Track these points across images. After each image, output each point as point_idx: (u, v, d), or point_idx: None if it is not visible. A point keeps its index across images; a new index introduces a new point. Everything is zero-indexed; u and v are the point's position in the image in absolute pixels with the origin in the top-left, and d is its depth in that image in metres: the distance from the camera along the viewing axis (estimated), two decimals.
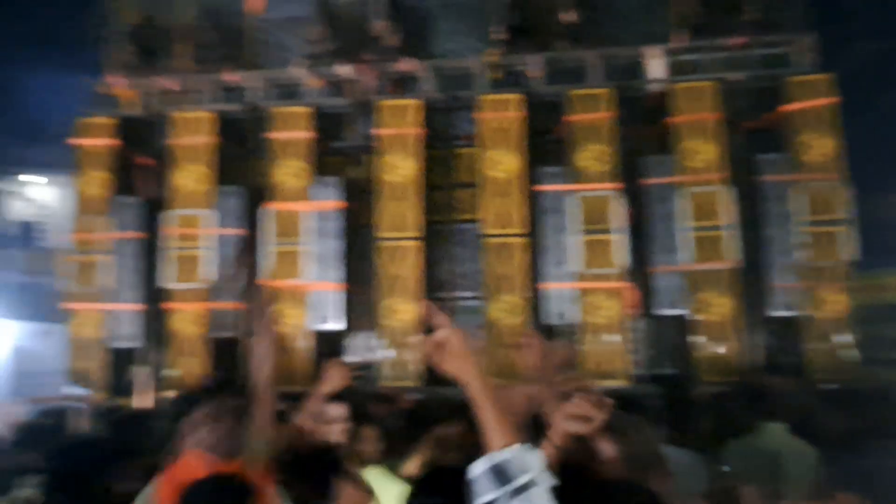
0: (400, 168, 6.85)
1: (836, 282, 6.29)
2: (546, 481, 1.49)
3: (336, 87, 7.52)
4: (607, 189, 6.57)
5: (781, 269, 6.37)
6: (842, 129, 6.43)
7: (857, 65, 12.36)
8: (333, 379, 3.00)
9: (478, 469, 1.51)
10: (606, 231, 6.50)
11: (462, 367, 1.63)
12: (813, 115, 6.47)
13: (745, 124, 6.84)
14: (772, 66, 6.90)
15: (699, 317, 6.35)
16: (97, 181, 7.16)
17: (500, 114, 6.79)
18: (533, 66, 7.02)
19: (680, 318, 6.49)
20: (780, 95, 6.63)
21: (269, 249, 6.85)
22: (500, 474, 1.48)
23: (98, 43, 7.99)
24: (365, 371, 6.70)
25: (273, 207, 6.91)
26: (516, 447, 1.54)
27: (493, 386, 1.65)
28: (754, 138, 6.88)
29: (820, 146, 6.43)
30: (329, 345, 6.94)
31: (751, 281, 6.47)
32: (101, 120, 7.32)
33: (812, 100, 6.47)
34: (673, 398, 4.88)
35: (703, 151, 6.52)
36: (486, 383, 1.63)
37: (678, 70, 6.97)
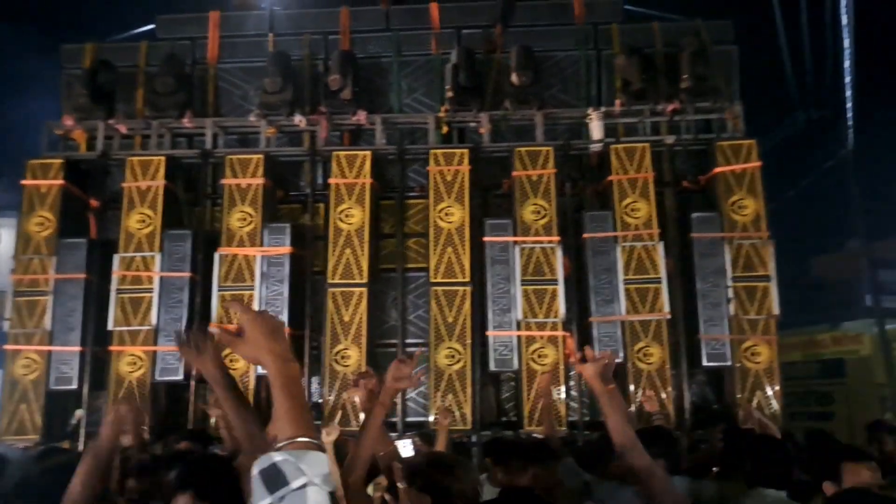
0: (350, 216, 7.02)
1: (764, 335, 6.65)
2: (326, 486, 1.33)
3: (289, 136, 7.73)
4: (549, 241, 6.85)
5: (712, 322, 6.70)
6: (766, 192, 6.90)
7: (787, 132, 13.19)
8: (399, 381, 2.84)
9: (254, 469, 1.34)
10: (547, 282, 6.76)
11: (259, 352, 1.50)
12: (740, 178, 6.93)
13: (680, 185, 7.26)
14: (704, 131, 7.41)
15: (634, 366, 6.60)
16: (44, 221, 7.13)
17: (450, 167, 7.06)
18: (482, 123, 7.36)
19: (617, 366, 6.73)
20: (711, 158, 7.09)
21: (219, 293, 6.89)
22: (273, 477, 1.32)
23: (59, 85, 8.07)
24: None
25: (223, 252, 6.97)
26: (298, 445, 1.38)
27: (296, 374, 1.50)
28: (688, 197, 7.31)
29: (747, 207, 6.86)
30: (267, 390, 6.94)
31: (688, 332, 6.79)
32: (51, 161, 7.33)
33: (739, 163, 6.94)
34: (605, 443, 5.05)
35: (639, 208, 6.89)
36: (286, 371, 1.48)
37: (617, 132, 7.41)
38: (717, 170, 6.97)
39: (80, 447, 6.49)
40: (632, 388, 6.59)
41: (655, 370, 6.59)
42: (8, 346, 6.92)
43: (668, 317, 6.68)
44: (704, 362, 6.65)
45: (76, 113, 7.58)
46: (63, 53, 8.16)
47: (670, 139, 7.20)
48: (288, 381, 1.47)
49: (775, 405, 6.53)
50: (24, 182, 7.17)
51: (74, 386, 6.88)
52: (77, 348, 6.91)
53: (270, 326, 1.52)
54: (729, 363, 6.63)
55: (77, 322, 6.97)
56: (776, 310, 6.70)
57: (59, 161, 7.31)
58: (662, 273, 6.74)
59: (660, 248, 6.79)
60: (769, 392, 6.57)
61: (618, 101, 7.34)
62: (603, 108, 7.36)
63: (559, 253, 6.82)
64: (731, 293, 6.75)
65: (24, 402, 6.79)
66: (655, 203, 6.91)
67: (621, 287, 6.76)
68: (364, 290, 6.89)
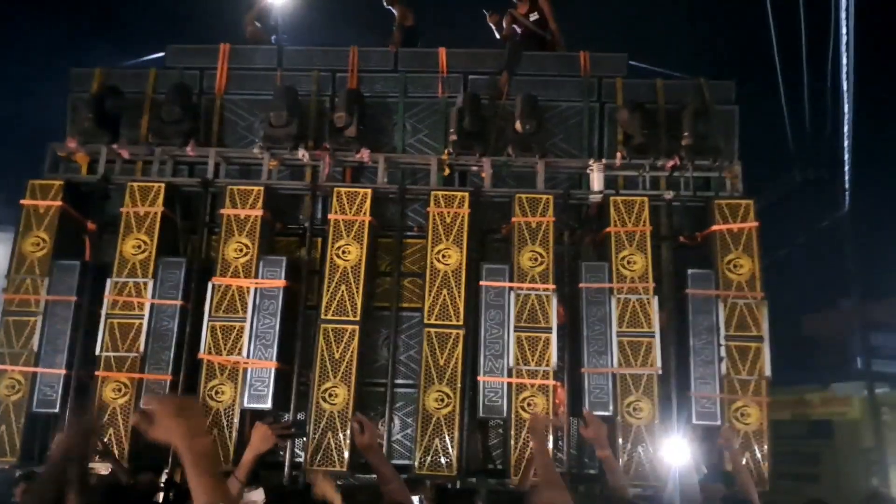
0: (347, 253, 7.02)
1: (755, 395, 6.62)
2: None
3: (291, 170, 7.77)
4: (544, 289, 6.85)
5: (703, 380, 6.67)
6: (762, 251, 6.94)
7: (783, 190, 13.34)
8: (259, 442, 3.28)
9: None
10: (541, 329, 6.74)
11: (168, 433, 1.71)
12: (736, 237, 6.97)
13: (677, 240, 7.30)
14: (703, 187, 7.48)
15: (623, 420, 6.55)
16: (39, 242, 7.11)
17: (448, 209, 7.09)
18: (484, 167, 7.42)
19: (607, 419, 6.68)
20: (709, 215, 7.15)
21: (208, 323, 6.84)
22: None
23: (65, 107, 8.12)
24: (298, 430, 6.62)
25: (217, 281, 6.94)
26: None
27: (204, 449, 1.70)
28: (685, 253, 7.34)
29: (743, 266, 6.89)
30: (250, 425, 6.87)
31: (679, 389, 6.76)
32: (51, 182, 7.33)
33: (736, 222, 6.99)
34: (591, 498, 5.01)
35: (635, 261, 6.91)
36: (194, 447, 1.68)
37: (616, 184, 7.48)
38: (715, 227, 7.01)
39: None
40: (620, 441, 6.54)
41: (645, 425, 6.54)
42: (3, 367, 6.82)
43: (660, 372, 6.65)
44: (694, 420, 6.60)
45: (80, 136, 7.61)
46: (72, 77, 8.23)
47: (669, 194, 7.25)
48: (197, 456, 1.65)
49: (763, 467, 6.48)
50: (23, 201, 7.16)
51: (56, 409, 6.78)
52: (62, 371, 6.82)
53: (176, 407, 1.75)
54: (719, 422, 6.58)
55: (64, 345, 6.90)
56: (768, 371, 6.69)
57: (59, 182, 7.31)
58: (656, 327, 6.73)
59: (654, 303, 6.79)
60: (758, 454, 6.52)
61: (619, 154, 7.42)
62: (604, 160, 7.44)
63: (554, 301, 6.82)
64: (723, 352, 6.74)
65: (4, 424, 6.67)
66: (651, 257, 6.93)
67: (614, 339, 6.74)
68: (356, 327, 6.86)
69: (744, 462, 6.38)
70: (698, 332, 6.80)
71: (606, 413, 6.60)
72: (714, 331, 6.77)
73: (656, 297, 6.82)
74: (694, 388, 6.65)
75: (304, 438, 6.61)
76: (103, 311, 6.90)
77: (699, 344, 6.78)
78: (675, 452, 5.38)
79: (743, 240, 6.98)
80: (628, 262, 6.90)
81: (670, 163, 7.32)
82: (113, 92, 7.80)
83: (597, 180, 7.34)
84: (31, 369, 6.79)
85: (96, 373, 6.77)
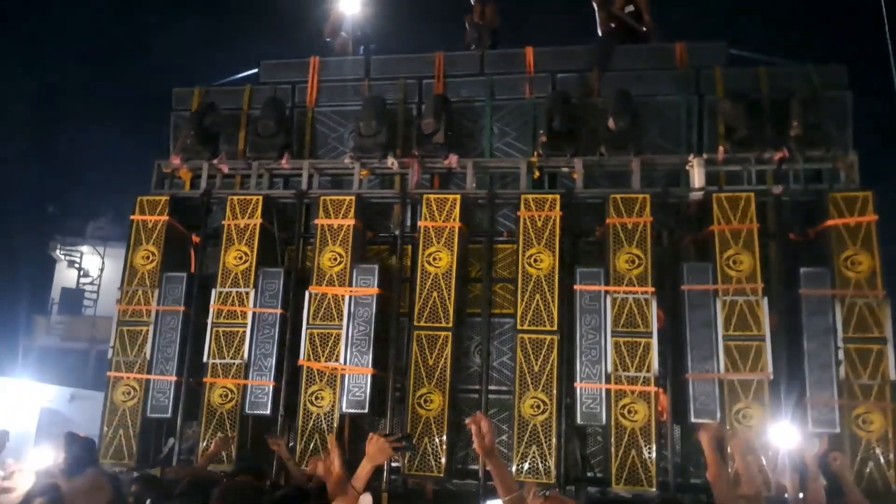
0: (438, 259, 7.00)
1: (878, 401, 6.12)
2: None
3: (381, 179, 7.84)
4: (643, 292, 6.59)
5: (819, 385, 6.23)
6: (882, 247, 6.40)
7: None
8: (377, 453, 3.34)
9: None
10: (640, 334, 6.49)
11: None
12: (854, 232, 6.47)
13: (787, 237, 6.86)
14: (814, 181, 6.99)
15: (732, 427, 6.20)
16: (149, 255, 7.48)
17: (540, 213, 6.94)
18: (576, 168, 7.22)
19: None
20: (821, 210, 6.67)
21: (306, 331, 6.99)
22: None
23: (162, 125, 8.55)
24: (409, 446, 6.67)
25: (313, 290, 7.08)
26: None
27: None
28: (796, 251, 6.88)
29: (861, 263, 6.39)
30: (356, 430, 6.97)
31: (792, 395, 6.34)
32: (157, 197, 7.70)
33: (853, 216, 6.48)
34: None
35: (742, 261, 6.53)
36: None
37: (718, 180, 7.10)
38: (830, 222, 6.52)
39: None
40: (730, 450, 6.18)
41: (756, 433, 6.15)
42: (111, 373, 7.24)
43: (771, 377, 6.25)
44: (811, 428, 6.17)
45: (183, 153, 7.97)
46: (174, 97, 8.63)
47: (777, 189, 6.81)
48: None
49: (889, 476, 5.97)
50: (133, 217, 7.55)
51: (168, 414, 7.10)
52: (173, 378, 7.15)
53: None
54: (838, 430, 6.13)
55: (174, 352, 7.23)
56: (893, 374, 6.16)
57: (165, 198, 7.67)
58: (766, 330, 6.33)
59: (764, 304, 6.39)
60: (882, 462, 6.02)
61: (721, 148, 7.04)
62: (705, 155, 7.08)
63: (654, 304, 6.54)
64: (841, 354, 6.26)
65: (122, 429, 7.05)
66: (759, 256, 6.53)
67: (720, 343, 6.39)
68: (449, 333, 6.83)
69: (867, 471, 5.93)
70: (813, 335, 6.35)
71: (712, 420, 6.27)
72: (831, 332, 6.30)
73: (766, 299, 6.42)
74: (810, 394, 6.21)
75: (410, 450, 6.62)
76: (209, 320, 7.19)
77: (814, 347, 6.33)
78: (797, 457, 5.11)
79: (861, 235, 6.46)
80: (734, 262, 6.53)
81: (778, 155, 6.88)
82: (211, 109, 8.12)
83: (697, 177, 6.99)
84: (145, 376, 7.15)
85: (204, 379, 7.06)
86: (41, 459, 5.70)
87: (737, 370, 6.31)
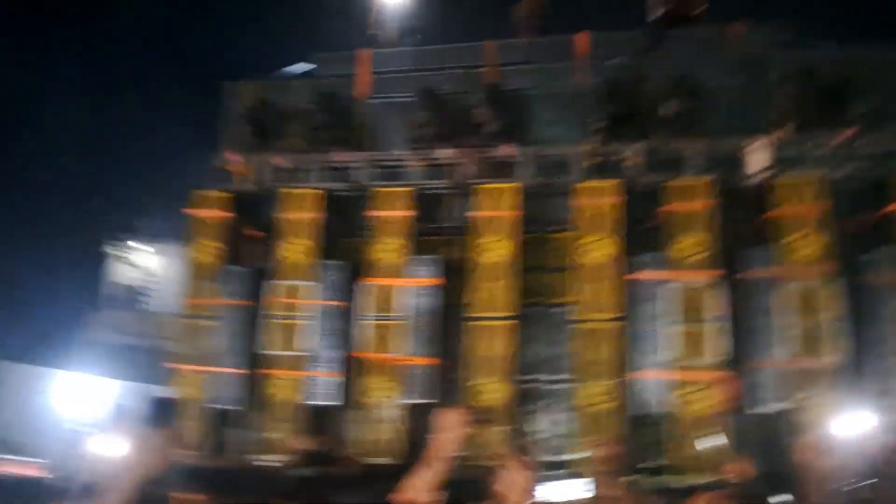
0: (494, 249, 7.00)
1: None
2: None
3: (436, 169, 7.83)
4: (704, 279, 6.50)
5: (889, 373, 6.09)
6: None
7: None
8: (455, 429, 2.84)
9: None
10: (703, 321, 6.41)
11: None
12: None
13: (852, 220, 6.69)
14: (879, 162, 6.79)
15: (799, 415, 6.09)
16: (209, 250, 7.59)
17: (597, 200, 6.89)
18: (631, 154, 7.14)
19: (776, 414, 6.26)
20: (887, 193, 6.49)
21: (365, 322, 7.05)
22: None
23: (216, 122, 8.62)
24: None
25: (371, 282, 7.13)
26: None
27: None
28: (859, 236, 6.71)
29: None
30: (418, 419, 7.02)
31: (862, 381, 6.20)
32: (215, 193, 7.80)
33: None
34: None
35: (806, 246, 6.41)
36: None
37: (781, 163, 6.94)
38: None
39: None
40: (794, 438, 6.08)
41: (825, 420, 6.03)
42: (174, 366, 7.36)
43: (841, 363, 6.12)
44: (886, 414, 6.02)
45: (238, 148, 8.05)
46: (224, 91, 8.67)
47: (844, 171, 6.64)
48: None
49: None
50: (191, 212, 7.66)
51: (234, 405, 7.22)
52: (237, 370, 7.26)
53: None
54: None
55: (238, 345, 7.34)
56: None
57: (222, 193, 7.78)
58: (835, 315, 6.20)
59: (833, 288, 6.25)
60: None
61: (783, 131, 6.88)
62: (766, 138, 6.93)
63: (716, 290, 6.45)
64: None
65: (189, 420, 7.17)
66: (826, 240, 6.39)
67: (786, 329, 6.29)
68: (509, 323, 6.84)
69: None
70: (881, 322, 6.20)
71: (779, 408, 6.18)
72: None
73: (836, 283, 6.27)
74: (884, 381, 6.07)
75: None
76: (271, 313, 7.28)
77: (882, 335, 6.18)
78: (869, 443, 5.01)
79: None
80: (800, 247, 6.41)
81: (844, 136, 6.69)
82: (264, 104, 8.19)
83: (758, 160, 6.85)
84: (210, 369, 7.28)
85: (267, 370, 7.16)
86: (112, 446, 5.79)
87: (804, 357, 6.19)
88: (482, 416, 3.33)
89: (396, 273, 7.13)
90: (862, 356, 6.27)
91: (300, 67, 8.95)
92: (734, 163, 7.15)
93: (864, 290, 6.34)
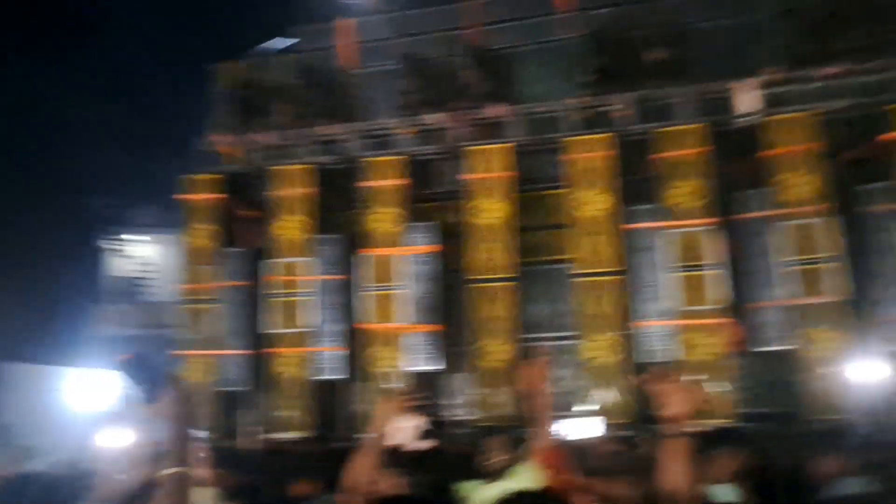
0: (490, 211, 6.97)
1: None
2: None
3: (427, 135, 7.75)
4: (701, 225, 6.49)
5: (893, 303, 6.10)
6: None
7: None
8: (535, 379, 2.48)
9: None
10: (702, 267, 6.41)
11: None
12: None
13: (844, 154, 6.64)
14: (871, 94, 6.71)
15: (804, 353, 6.12)
16: (204, 233, 7.56)
17: (588, 154, 6.84)
18: (621, 105, 7.06)
19: (781, 354, 6.29)
20: (881, 124, 6.43)
21: (365, 293, 7.04)
22: None
23: (201, 106, 8.50)
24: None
25: (368, 253, 7.11)
26: None
27: None
28: (854, 169, 6.67)
29: None
30: (424, 386, 7.05)
31: (860, 314, 6.22)
32: (206, 176, 7.75)
33: None
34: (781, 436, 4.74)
35: (801, 184, 6.38)
36: None
37: (772, 102, 6.87)
38: (892, 135, 6.30)
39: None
40: (801, 376, 6.13)
41: (829, 356, 6.07)
42: (180, 352, 7.37)
43: (845, 298, 6.13)
44: (886, 346, 6.06)
45: (225, 129, 7.96)
46: (210, 73, 8.53)
47: (839, 105, 6.55)
48: None
49: None
50: (184, 196, 7.61)
51: (241, 386, 7.25)
52: (242, 351, 7.27)
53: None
54: None
55: (240, 325, 7.35)
56: None
57: (213, 176, 7.72)
58: (836, 251, 6.18)
59: (831, 224, 6.23)
60: None
61: (774, 70, 6.77)
62: (757, 78, 6.83)
63: (713, 236, 6.44)
64: None
65: (199, 402, 7.21)
66: (821, 176, 6.35)
67: (785, 269, 6.28)
68: (509, 284, 6.84)
69: None
70: (883, 252, 6.20)
71: (783, 347, 6.21)
72: None
73: (833, 219, 6.25)
74: (883, 312, 6.09)
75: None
76: (271, 292, 7.27)
77: (884, 265, 6.18)
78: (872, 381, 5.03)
79: None
80: (795, 185, 6.37)
81: (837, 69, 6.59)
82: (248, 82, 8.08)
83: (748, 102, 6.78)
84: (216, 352, 7.28)
85: (272, 349, 7.17)
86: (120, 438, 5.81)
87: (805, 295, 6.20)
88: (419, 398, 3.11)
89: (393, 242, 7.10)
90: (864, 289, 6.27)
91: (280, 43, 8.82)
92: (725, 105, 7.08)
93: (863, 221, 6.31)
